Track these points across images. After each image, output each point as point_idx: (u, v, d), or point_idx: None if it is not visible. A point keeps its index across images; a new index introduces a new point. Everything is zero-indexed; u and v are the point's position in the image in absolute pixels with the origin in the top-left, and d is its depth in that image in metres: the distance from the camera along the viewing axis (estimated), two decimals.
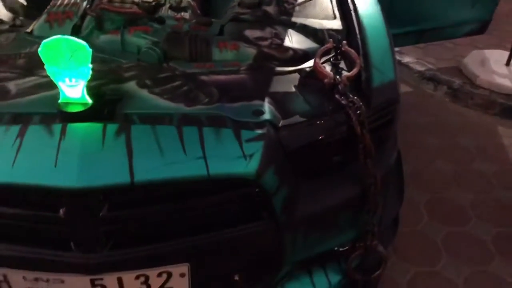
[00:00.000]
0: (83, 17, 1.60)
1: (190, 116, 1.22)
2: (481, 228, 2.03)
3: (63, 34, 1.47)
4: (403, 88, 2.95)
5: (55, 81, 1.13)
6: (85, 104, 1.17)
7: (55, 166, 1.09)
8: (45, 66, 1.12)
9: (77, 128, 1.14)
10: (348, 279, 1.58)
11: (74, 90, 1.15)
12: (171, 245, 1.24)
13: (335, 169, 1.42)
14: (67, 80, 1.13)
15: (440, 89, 3.00)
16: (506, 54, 3.07)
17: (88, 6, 1.64)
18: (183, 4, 1.70)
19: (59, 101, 1.16)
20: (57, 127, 1.14)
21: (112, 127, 1.15)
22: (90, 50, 1.11)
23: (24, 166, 1.09)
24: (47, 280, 1.22)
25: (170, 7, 1.68)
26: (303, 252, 1.44)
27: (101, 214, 1.13)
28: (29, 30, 1.58)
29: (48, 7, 1.66)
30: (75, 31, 1.57)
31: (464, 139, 2.61)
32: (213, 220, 1.26)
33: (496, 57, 3.13)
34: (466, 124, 2.75)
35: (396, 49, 3.20)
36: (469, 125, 2.74)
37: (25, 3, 1.70)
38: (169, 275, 1.26)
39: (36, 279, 1.22)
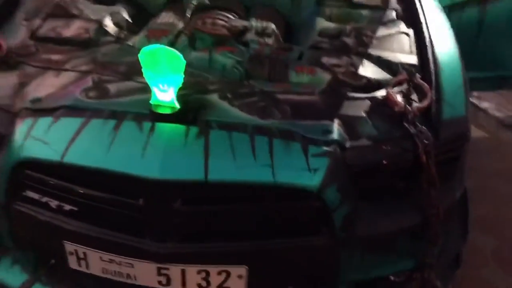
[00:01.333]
0: (177, 35, 1.78)
1: (263, 127, 1.33)
2: None
3: None
4: (479, 134, 2.89)
5: (149, 85, 1.29)
6: (173, 108, 1.31)
7: (142, 157, 1.23)
8: (142, 70, 1.28)
9: (164, 127, 1.28)
10: None
11: (165, 94, 1.29)
12: (233, 246, 1.33)
13: (398, 195, 1.45)
14: (160, 85, 1.28)
15: None
16: None
17: (183, 26, 1.82)
18: (267, 30, 1.84)
19: (151, 103, 1.31)
20: (147, 125, 1.29)
21: (193, 130, 1.29)
22: (184, 61, 1.25)
23: (116, 155, 1.25)
24: (120, 263, 1.35)
25: (256, 32, 1.83)
26: (358, 273, 1.46)
27: (174, 206, 1.25)
28: (130, 43, 1.79)
29: (149, 24, 1.87)
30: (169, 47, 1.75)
31: None
32: (274, 228, 1.34)
33: None
34: None
35: (475, 93, 3.16)
36: None
37: (130, 20, 1.92)
38: (228, 274, 1.35)
39: (111, 261, 1.35)
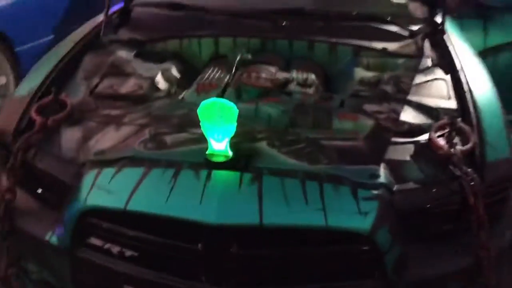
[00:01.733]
0: (224, 89, 1.89)
1: (312, 173, 1.39)
2: None
3: None
4: None
5: (206, 135, 1.38)
6: (227, 156, 1.39)
7: (200, 203, 1.30)
8: (200, 123, 1.38)
9: (220, 174, 1.36)
10: None
11: (220, 144, 1.38)
12: None
13: (447, 238, 1.47)
14: (215, 135, 1.37)
15: None
16: None
17: (230, 80, 1.94)
18: (308, 81, 1.94)
19: (207, 152, 1.40)
20: (203, 173, 1.37)
21: (247, 176, 1.36)
22: (237, 110, 1.35)
23: (176, 202, 1.33)
24: None
25: (297, 83, 1.92)
26: None
27: (231, 251, 1.30)
28: (180, 97, 1.91)
29: (197, 79, 2.00)
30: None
31: None
32: (327, 272, 1.37)
33: None
34: None
35: None
36: None
37: (178, 76, 2.05)
38: None
39: None
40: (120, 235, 1.41)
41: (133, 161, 1.45)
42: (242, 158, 1.42)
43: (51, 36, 3.88)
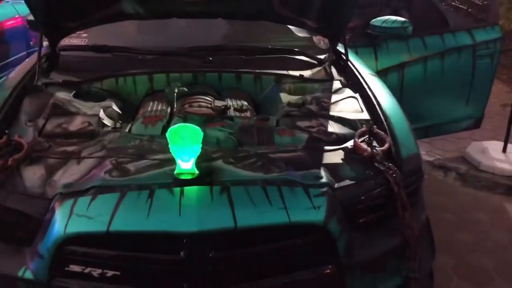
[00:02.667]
0: (170, 119, 2.07)
1: (269, 179, 1.62)
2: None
3: (155, 133, 1.95)
4: None
5: (174, 156, 1.55)
6: (193, 173, 1.57)
7: (180, 216, 1.46)
8: (169, 146, 1.55)
9: (192, 190, 1.54)
10: None
11: (187, 163, 1.56)
12: (261, 284, 1.55)
13: (380, 222, 1.77)
14: (183, 156, 1.55)
15: (449, 175, 3.43)
16: (501, 144, 3.54)
17: (173, 111, 2.12)
18: (244, 107, 2.19)
19: (175, 172, 1.57)
20: (177, 190, 1.53)
21: (216, 188, 1.55)
22: (202, 133, 1.54)
23: (156, 218, 1.47)
24: None
25: (234, 109, 2.17)
26: None
27: (210, 254, 1.47)
28: (127, 130, 2.05)
29: (141, 113, 2.15)
30: (164, 130, 2.03)
31: (477, 214, 2.96)
32: (291, 263, 1.59)
33: (494, 146, 3.60)
34: (477, 202, 3.13)
35: None
36: (480, 203, 3.12)
37: (119, 112, 2.18)
38: None
39: None
40: (101, 257, 1.50)
41: (105, 188, 1.56)
42: (206, 174, 1.60)
43: None
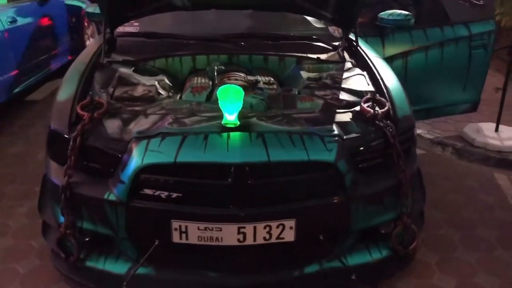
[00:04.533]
0: (212, 89, 2.59)
1: (294, 131, 2.12)
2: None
3: (201, 99, 2.47)
4: (419, 151, 3.81)
5: (222, 110, 2.06)
6: (236, 124, 2.08)
7: (227, 151, 1.97)
8: (218, 101, 2.06)
9: (236, 134, 2.04)
10: (393, 251, 2.34)
11: (231, 116, 2.07)
12: (286, 206, 2.05)
13: (380, 167, 2.26)
14: (228, 109, 2.06)
15: (447, 150, 3.88)
16: (494, 124, 4.00)
17: (214, 83, 2.64)
18: (271, 81, 2.70)
19: (222, 122, 2.08)
20: (225, 134, 2.04)
21: (254, 134, 2.05)
22: (243, 92, 2.05)
23: (210, 152, 1.98)
24: (212, 229, 2.02)
25: (263, 83, 2.68)
26: (361, 223, 2.21)
27: (249, 181, 1.98)
28: (178, 97, 2.57)
29: (189, 84, 2.67)
30: (208, 98, 2.55)
31: (470, 181, 3.43)
32: (309, 192, 2.09)
33: (488, 127, 4.04)
34: (470, 171, 3.59)
35: None
36: (473, 172, 3.58)
37: (170, 85, 2.70)
38: (283, 227, 2.06)
39: (205, 228, 2.03)
40: (168, 183, 2.01)
41: (170, 134, 2.08)
42: (245, 126, 2.11)
43: (16, 71, 4.29)
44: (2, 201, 3.07)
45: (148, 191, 2.04)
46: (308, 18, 3.45)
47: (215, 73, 2.76)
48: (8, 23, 4.19)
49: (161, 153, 2.01)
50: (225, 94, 2.05)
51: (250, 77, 2.72)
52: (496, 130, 3.97)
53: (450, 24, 3.74)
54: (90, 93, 2.34)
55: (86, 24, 5.94)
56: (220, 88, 2.06)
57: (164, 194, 2.03)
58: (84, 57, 2.80)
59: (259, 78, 2.75)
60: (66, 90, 2.42)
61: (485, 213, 3.02)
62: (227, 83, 2.58)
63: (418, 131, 4.08)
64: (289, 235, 2.08)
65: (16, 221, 2.85)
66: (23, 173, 3.43)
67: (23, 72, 4.42)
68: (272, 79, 2.76)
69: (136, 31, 3.24)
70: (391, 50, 3.60)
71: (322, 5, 3.00)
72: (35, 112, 4.67)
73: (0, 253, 2.56)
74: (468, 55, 3.76)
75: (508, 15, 4.61)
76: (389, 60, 3.50)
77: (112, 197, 2.06)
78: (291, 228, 2.07)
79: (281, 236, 2.07)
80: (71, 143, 2.11)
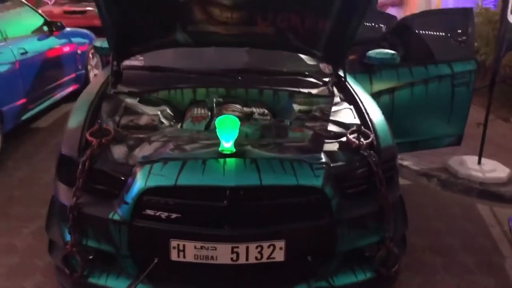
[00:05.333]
0: (211, 119, 2.80)
1: (285, 158, 2.32)
2: None
3: (201, 128, 2.69)
4: (404, 182, 4.02)
5: (220, 138, 2.26)
6: (232, 151, 2.28)
7: (224, 175, 2.17)
8: (217, 130, 2.26)
9: (232, 160, 2.24)
10: (377, 273, 2.50)
11: (228, 143, 2.27)
12: (277, 228, 2.23)
13: (364, 193, 2.45)
14: (225, 137, 2.26)
15: (432, 181, 4.09)
16: (477, 157, 4.23)
17: (213, 114, 2.86)
18: (265, 113, 2.92)
19: (220, 149, 2.28)
20: (221, 160, 2.24)
21: (248, 160, 2.25)
22: (239, 122, 2.26)
23: (208, 176, 2.17)
24: (207, 248, 2.19)
25: (258, 114, 2.90)
26: (347, 244, 2.38)
27: (243, 203, 2.16)
28: (179, 126, 2.78)
29: (189, 114, 2.89)
30: (206, 127, 2.76)
31: (452, 210, 3.62)
32: (297, 215, 2.27)
33: (471, 160, 4.26)
34: (453, 201, 3.79)
35: (398, 155, 4.35)
36: (456, 202, 3.78)
37: (172, 114, 2.92)
38: (274, 247, 2.23)
39: (201, 247, 2.19)
40: (168, 204, 2.20)
41: (171, 159, 2.27)
42: (240, 152, 2.31)
43: (24, 99, 4.52)
44: (9, 222, 3.24)
45: (149, 212, 2.22)
46: (300, 55, 3.71)
47: (214, 105, 2.98)
48: (20, 54, 4.44)
49: (163, 176, 2.20)
50: (223, 124, 2.25)
51: (246, 109, 2.94)
52: (479, 162, 4.19)
53: (434, 63, 4.01)
54: (99, 121, 2.55)
55: (90, 56, 6.20)
56: (218, 118, 2.27)
57: (164, 215, 2.21)
58: (92, 87, 3.03)
59: (254, 109, 2.97)
60: (76, 118, 2.63)
61: (466, 240, 3.20)
62: (224, 114, 2.80)
63: (405, 163, 4.30)
64: (279, 255, 2.25)
65: (22, 240, 3.02)
66: (29, 196, 3.61)
67: (31, 101, 4.65)
68: (266, 110, 2.99)
69: (141, 64, 3.48)
70: (378, 86, 3.85)
71: (314, 44, 3.26)
72: (39, 139, 4.86)
73: (8, 270, 2.72)
74: (451, 92, 4.01)
75: (492, 55, 4.91)
76: (376, 95, 3.74)
77: (116, 217, 2.24)
78: (281, 248, 2.24)
79: (272, 256, 2.24)
80: (80, 166, 2.30)
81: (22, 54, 4.51)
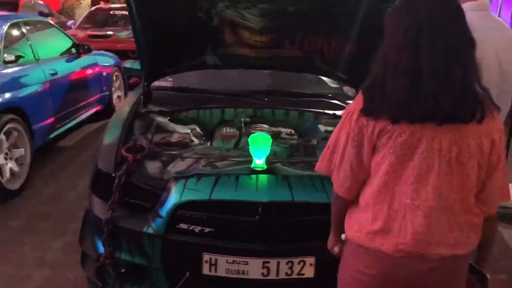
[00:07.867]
0: (240, 138, 2.88)
1: (315, 175, 2.37)
2: None
3: (230, 146, 2.76)
4: None
5: (252, 155, 2.33)
6: (263, 167, 2.35)
7: (256, 191, 2.22)
8: (249, 147, 2.33)
9: (264, 176, 2.30)
10: None
11: (260, 160, 2.34)
12: (308, 244, 2.27)
13: None
14: (257, 155, 2.33)
15: None
16: None
17: (241, 133, 2.94)
18: (292, 133, 3.00)
19: (252, 166, 2.34)
20: (254, 176, 2.30)
21: (279, 177, 2.31)
22: (271, 140, 2.33)
23: (241, 191, 2.23)
24: (239, 262, 2.24)
25: (285, 134, 2.97)
26: None
27: (275, 219, 2.21)
28: (208, 144, 2.86)
29: (219, 133, 2.97)
30: (235, 145, 2.84)
31: None
32: (328, 231, 2.31)
33: None
34: None
35: None
36: None
37: (201, 133, 3.01)
38: (304, 263, 2.26)
39: (233, 261, 2.24)
40: (202, 218, 2.25)
41: (204, 174, 2.34)
42: (272, 169, 2.37)
43: (53, 118, 4.66)
44: (38, 236, 3.32)
45: (183, 226, 2.28)
46: (323, 77, 3.80)
47: (242, 124, 3.06)
48: (50, 75, 4.60)
49: (197, 191, 2.26)
50: (256, 141, 2.33)
51: (273, 129, 3.02)
52: None
53: None
54: (134, 137, 2.64)
55: (114, 78, 6.37)
56: (251, 135, 2.35)
57: (197, 229, 2.27)
58: (125, 107, 3.14)
59: (281, 129, 3.04)
60: (111, 135, 2.72)
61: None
62: (251, 133, 2.88)
63: None
64: (309, 272, 2.28)
65: (52, 254, 3.08)
66: (57, 212, 3.69)
67: (58, 120, 4.78)
68: (292, 131, 3.06)
69: (170, 85, 3.60)
70: None
71: (339, 67, 3.35)
72: (65, 157, 4.98)
73: (40, 282, 2.78)
74: None
75: None
76: None
77: (150, 230, 2.30)
78: (311, 265, 2.27)
79: (301, 272, 2.27)
80: (116, 180, 2.38)
81: (52, 74, 4.66)
